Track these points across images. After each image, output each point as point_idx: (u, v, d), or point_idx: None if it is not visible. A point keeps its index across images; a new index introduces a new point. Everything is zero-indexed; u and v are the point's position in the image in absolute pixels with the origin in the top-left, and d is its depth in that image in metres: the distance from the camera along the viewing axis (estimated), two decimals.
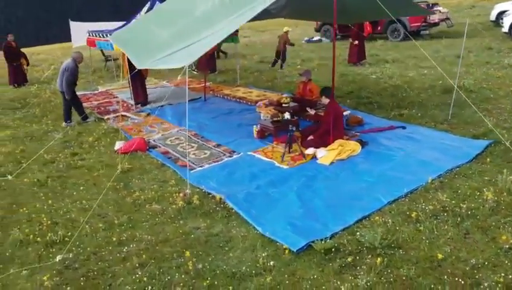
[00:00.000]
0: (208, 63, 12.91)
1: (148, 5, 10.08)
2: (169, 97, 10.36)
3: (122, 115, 8.98)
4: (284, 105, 8.00)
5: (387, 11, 6.04)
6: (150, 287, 3.68)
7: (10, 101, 10.91)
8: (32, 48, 25.41)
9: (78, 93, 11.37)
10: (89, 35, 10.95)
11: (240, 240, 4.36)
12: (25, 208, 5.21)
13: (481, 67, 11.21)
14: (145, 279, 3.79)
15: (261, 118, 8.16)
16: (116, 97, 10.92)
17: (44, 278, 3.83)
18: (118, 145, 7.08)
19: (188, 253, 4.06)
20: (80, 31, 13.75)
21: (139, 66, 6.98)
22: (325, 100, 6.52)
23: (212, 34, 5.79)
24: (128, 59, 8.65)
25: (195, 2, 7.76)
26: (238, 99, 9.71)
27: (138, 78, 9.16)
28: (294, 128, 6.24)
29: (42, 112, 9.64)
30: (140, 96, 9.73)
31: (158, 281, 3.74)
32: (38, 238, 4.50)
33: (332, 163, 5.97)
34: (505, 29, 14.92)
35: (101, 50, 14.78)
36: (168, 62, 6.02)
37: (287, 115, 7.26)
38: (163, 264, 4.04)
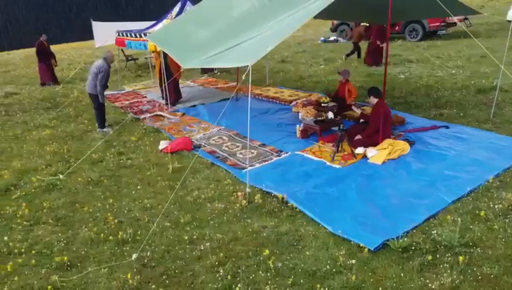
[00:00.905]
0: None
1: (179, 5, 10.10)
2: (200, 97, 10.44)
3: (158, 115, 9.00)
4: (323, 105, 8.04)
5: (444, 8, 5.98)
6: (234, 286, 3.71)
7: (40, 100, 10.93)
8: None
9: (106, 92, 11.51)
10: (118, 35, 10.97)
11: (311, 239, 4.38)
12: (86, 207, 5.23)
13: (508, 66, 11.20)
14: (228, 277, 3.81)
15: (299, 117, 8.22)
16: (145, 97, 10.94)
17: (128, 276, 3.85)
18: (163, 144, 7.10)
19: (267, 251, 4.08)
20: (102, 31, 13.83)
21: (183, 65, 7.03)
22: (374, 100, 6.53)
23: (270, 32, 5.80)
24: (165, 59, 8.70)
25: (232, 3, 7.79)
26: (271, 99, 9.73)
27: (172, 79, 9.18)
28: (344, 128, 6.26)
29: (76, 112, 9.66)
30: (172, 96, 9.74)
31: (242, 279, 3.76)
32: (110, 237, 4.53)
33: (384, 162, 6.00)
34: None
35: (121, 50, 14.79)
36: (226, 62, 6.05)
37: (330, 115, 7.31)
38: (240, 262, 4.06)
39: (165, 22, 10.11)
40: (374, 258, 4.01)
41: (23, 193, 5.71)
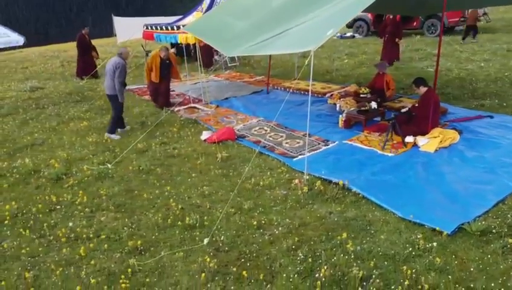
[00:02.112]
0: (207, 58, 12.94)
1: None
2: (229, 90, 10.41)
3: (192, 107, 8.96)
4: (362, 95, 8.00)
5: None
6: (318, 268, 3.66)
7: (67, 94, 10.89)
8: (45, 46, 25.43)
9: (131, 87, 11.46)
10: (146, 28, 10.93)
11: (381, 224, 4.34)
12: (145, 194, 5.19)
13: None
14: (309, 259, 3.77)
15: (337, 108, 8.18)
16: (173, 91, 10.89)
17: (206, 259, 3.80)
18: (206, 134, 7.07)
19: (344, 235, 4.04)
20: (124, 26, 13.79)
21: (227, 53, 7.01)
22: (423, 89, 6.47)
23: (324, 17, 5.74)
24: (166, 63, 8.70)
25: None
26: (303, 92, 9.68)
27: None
28: (395, 117, 6.21)
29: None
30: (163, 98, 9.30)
31: (324, 262, 3.71)
32: (178, 222, 4.48)
33: (436, 151, 5.95)
34: None
35: (142, 46, 14.74)
36: (278, 48, 6.01)
37: (374, 105, 7.27)
38: (316, 246, 4.02)
39: (195, 14, 10.07)
40: (452, 242, 3.97)
41: (76, 181, 5.66)
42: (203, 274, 3.64)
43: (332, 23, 5.40)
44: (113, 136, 7.36)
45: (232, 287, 3.53)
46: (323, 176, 5.31)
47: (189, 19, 10.00)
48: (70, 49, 24.02)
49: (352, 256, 3.83)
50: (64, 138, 7.46)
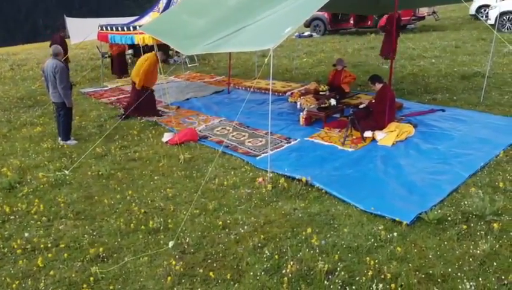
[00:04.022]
0: (119, 66, 12.93)
1: None
2: (189, 91, 10.31)
3: None
4: (321, 93, 8.16)
5: None
6: (284, 264, 3.69)
7: (19, 99, 10.38)
8: None
9: (87, 90, 11.11)
10: (101, 29, 10.61)
11: (344, 218, 4.44)
12: (105, 200, 5.04)
13: (482, 55, 11.80)
14: (276, 256, 3.79)
15: (298, 106, 8.30)
16: None
17: (172, 262, 3.74)
18: (167, 136, 6.96)
19: (309, 230, 4.10)
20: (78, 27, 13.30)
21: (185, 52, 6.95)
22: (378, 86, 6.68)
23: (280, 14, 5.78)
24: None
25: None
26: (263, 91, 9.74)
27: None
28: (353, 113, 6.37)
29: None
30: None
31: (290, 258, 3.75)
32: (141, 227, 4.38)
33: (393, 144, 6.15)
34: (491, 21, 15.74)
35: (97, 47, 14.31)
36: (236, 45, 6.00)
37: (333, 102, 7.43)
38: (282, 243, 4.05)
39: (151, 14, 9.89)
40: (411, 232, 4.11)
41: (31, 190, 5.42)
42: (169, 278, 3.58)
43: (290, 21, 5.45)
44: (69, 142, 7.07)
45: (199, 289, 3.50)
46: (286, 173, 5.37)
47: (146, 19, 9.81)
48: (20, 52, 23.00)
49: (317, 250, 3.88)
50: (16, 145, 7.11)
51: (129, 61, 14.76)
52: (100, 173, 5.77)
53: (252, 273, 3.64)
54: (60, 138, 7.14)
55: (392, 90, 6.78)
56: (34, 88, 11.67)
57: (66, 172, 5.88)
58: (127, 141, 7.04)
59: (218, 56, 14.74)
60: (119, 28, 9.66)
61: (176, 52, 14.40)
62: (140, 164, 6.10)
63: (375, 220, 4.36)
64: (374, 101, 6.84)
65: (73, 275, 3.72)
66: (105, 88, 11.44)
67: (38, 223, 4.63)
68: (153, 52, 8.23)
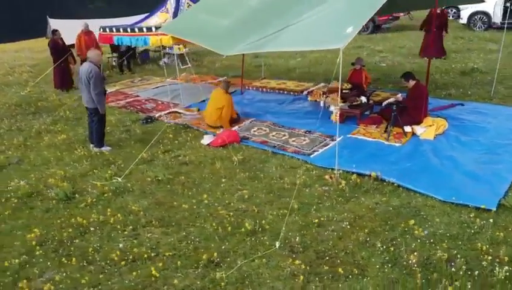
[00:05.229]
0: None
1: None
2: (199, 93, 10.15)
3: (173, 112, 8.61)
4: (344, 91, 8.37)
5: None
6: (399, 256, 3.82)
7: (16, 106, 9.72)
8: None
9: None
10: (103, 30, 10.21)
11: (429, 209, 4.64)
12: (182, 205, 4.92)
13: (468, 52, 12.59)
14: (391, 248, 3.91)
15: (321, 105, 8.47)
16: (138, 96, 10.34)
17: (294, 261, 3.76)
18: (208, 139, 6.88)
19: (412, 221, 4.25)
20: (64, 29, 12.66)
21: (225, 53, 6.88)
22: (412, 82, 6.98)
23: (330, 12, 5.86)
24: None
25: None
26: (277, 90, 9.82)
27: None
28: (395, 109, 6.61)
29: (74, 114, 8.81)
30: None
31: (404, 249, 3.89)
32: (240, 229, 4.34)
33: (435, 138, 6.48)
34: (463, 21, 16.79)
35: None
36: (286, 45, 5.98)
37: (364, 99, 7.66)
38: (386, 236, 4.18)
39: (160, 15, 9.67)
40: (499, 217, 4.38)
41: (94, 199, 5.16)
42: (301, 277, 3.59)
43: (349, 22, 5.56)
44: (104, 148, 6.79)
45: (331, 286, 3.55)
46: (353, 170, 5.50)
47: (155, 20, 9.60)
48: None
49: (426, 240, 4.04)
50: (45, 154, 6.70)
51: (113, 63, 14.29)
52: (158, 178, 5.61)
53: (373, 266, 3.74)
54: (92, 145, 6.82)
55: (425, 86, 7.11)
56: (24, 94, 10.96)
57: (119, 179, 5.65)
58: (166, 145, 6.85)
59: (212, 57, 14.57)
60: (129, 30, 9.36)
61: (165, 53, 14.14)
62: (194, 167, 5.98)
63: (457, 209, 4.60)
64: (406, 97, 7.14)
65: (198, 282, 3.63)
66: (107, 91, 10.96)
67: (125, 232, 4.45)
68: (219, 89, 7.84)
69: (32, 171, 6.12)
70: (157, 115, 8.44)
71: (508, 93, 8.37)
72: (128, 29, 9.38)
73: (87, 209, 4.99)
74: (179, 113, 8.58)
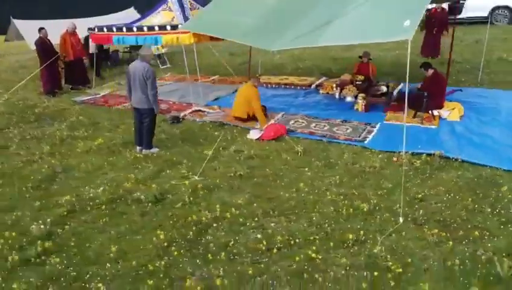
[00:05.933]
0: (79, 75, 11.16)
1: None
2: (205, 91, 10.09)
3: (197, 110, 8.52)
4: (357, 83, 8.96)
5: None
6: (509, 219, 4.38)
7: (11, 115, 8.80)
8: None
9: (82, 98, 10.02)
10: (95, 30, 9.69)
11: (502, 179, 5.24)
12: (285, 195, 5.05)
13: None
14: (503, 211, 4.45)
15: (337, 96, 8.97)
16: None
17: (434, 231, 4.15)
18: (256, 133, 7.00)
19: (505, 187, 4.85)
20: (31, 30, 11.67)
21: (272, 48, 6.97)
22: (430, 71, 7.72)
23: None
24: None
25: None
26: (283, 85, 10.12)
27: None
28: (427, 96, 7.27)
29: (88, 119, 8.31)
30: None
31: (506, 211, 4.45)
32: (358, 211, 4.61)
33: (460, 119, 7.27)
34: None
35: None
36: (355, 37, 6.19)
37: (384, 89, 8.28)
38: (492, 204, 4.67)
39: (162, 13, 9.41)
40: None
41: (188, 198, 5.03)
42: (451, 243, 3.97)
43: (404, 15, 6.01)
44: (153, 150, 6.58)
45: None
46: (419, 150, 5.98)
47: (158, 19, 9.31)
48: None
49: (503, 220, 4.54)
50: (93, 160, 6.32)
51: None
52: (239, 173, 5.63)
53: (496, 229, 4.24)
54: (139, 148, 6.57)
55: (442, 75, 7.91)
56: (3, 101, 9.95)
57: (196, 177, 5.59)
58: (215, 142, 6.78)
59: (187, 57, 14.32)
60: (135, 29, 9.00)
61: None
62: (263, 161, 6.09)
63: None
64: (426, 84, 7.88)
65: (361, 258, 3.84)
66: (98, 95, 10.41)
67: (248, 225, 4.48)
68: (249, 83, 7.86)
69: (91, 178, 5.77)
70: (181, 114, 8.28)
71: (493, 78, 9.55)
72: (134, 28, 9.01)
73: (186, 208, 4.89)
74: (202, 111, 8.51)
